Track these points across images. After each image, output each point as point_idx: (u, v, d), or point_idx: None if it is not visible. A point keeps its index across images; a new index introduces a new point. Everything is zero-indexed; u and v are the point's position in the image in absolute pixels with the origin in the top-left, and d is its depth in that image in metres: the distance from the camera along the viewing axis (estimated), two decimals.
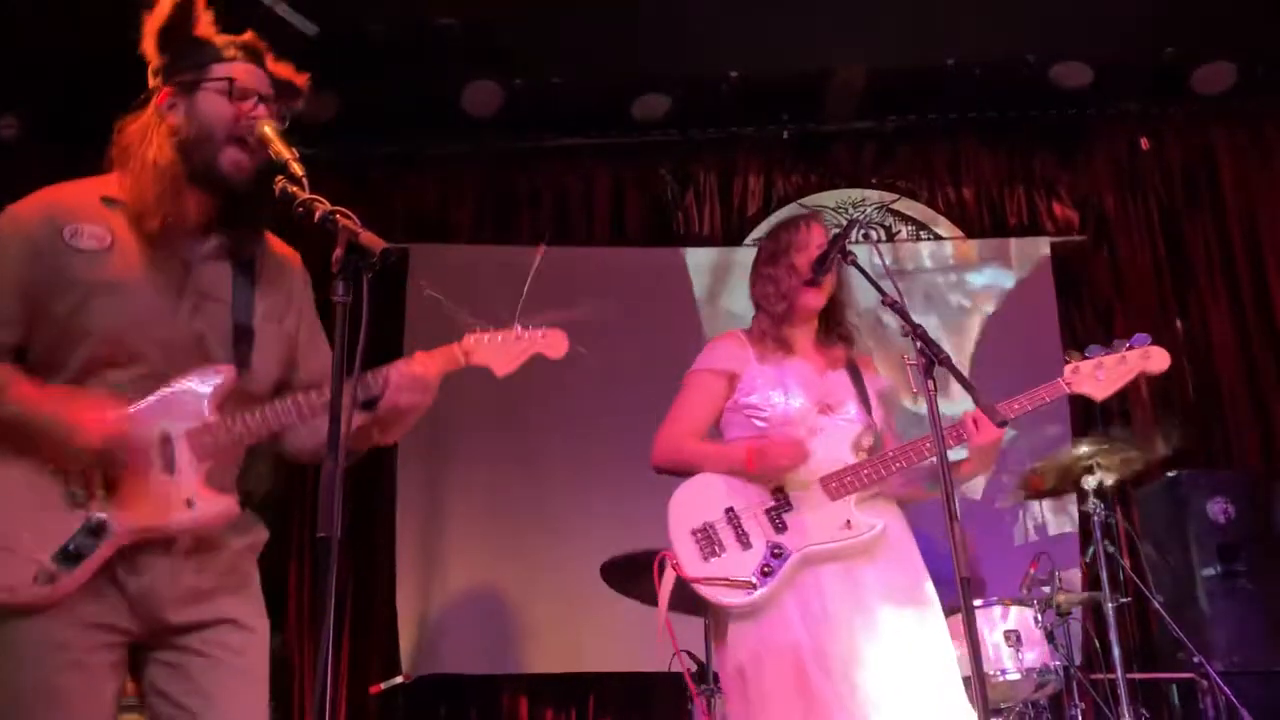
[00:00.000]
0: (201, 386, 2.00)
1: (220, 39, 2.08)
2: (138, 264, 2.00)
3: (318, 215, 1.83)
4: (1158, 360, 2.69)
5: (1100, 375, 2.66)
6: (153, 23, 2.05)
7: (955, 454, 2.64)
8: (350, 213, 1.81)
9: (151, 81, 2.10)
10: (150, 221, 2.00)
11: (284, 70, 2.14)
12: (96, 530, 1.91)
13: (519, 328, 2.31)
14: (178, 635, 1.99)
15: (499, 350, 2.28)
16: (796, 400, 2.77)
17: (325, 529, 1.64)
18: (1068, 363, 2.70)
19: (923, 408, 5.02)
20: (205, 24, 2.07)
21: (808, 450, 2.68)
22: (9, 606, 1.87)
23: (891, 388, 3.04)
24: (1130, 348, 2.69)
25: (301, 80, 2.16)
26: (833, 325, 2.93)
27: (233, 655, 2.02)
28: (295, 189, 1.90)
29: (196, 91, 2.04)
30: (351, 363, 1.70)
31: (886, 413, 2.96)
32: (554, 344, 2.35)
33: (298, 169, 1.92)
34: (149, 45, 2.07)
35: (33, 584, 1.86)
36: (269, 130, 2.00)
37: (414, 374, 2.10)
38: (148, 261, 2.01)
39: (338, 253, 1.74)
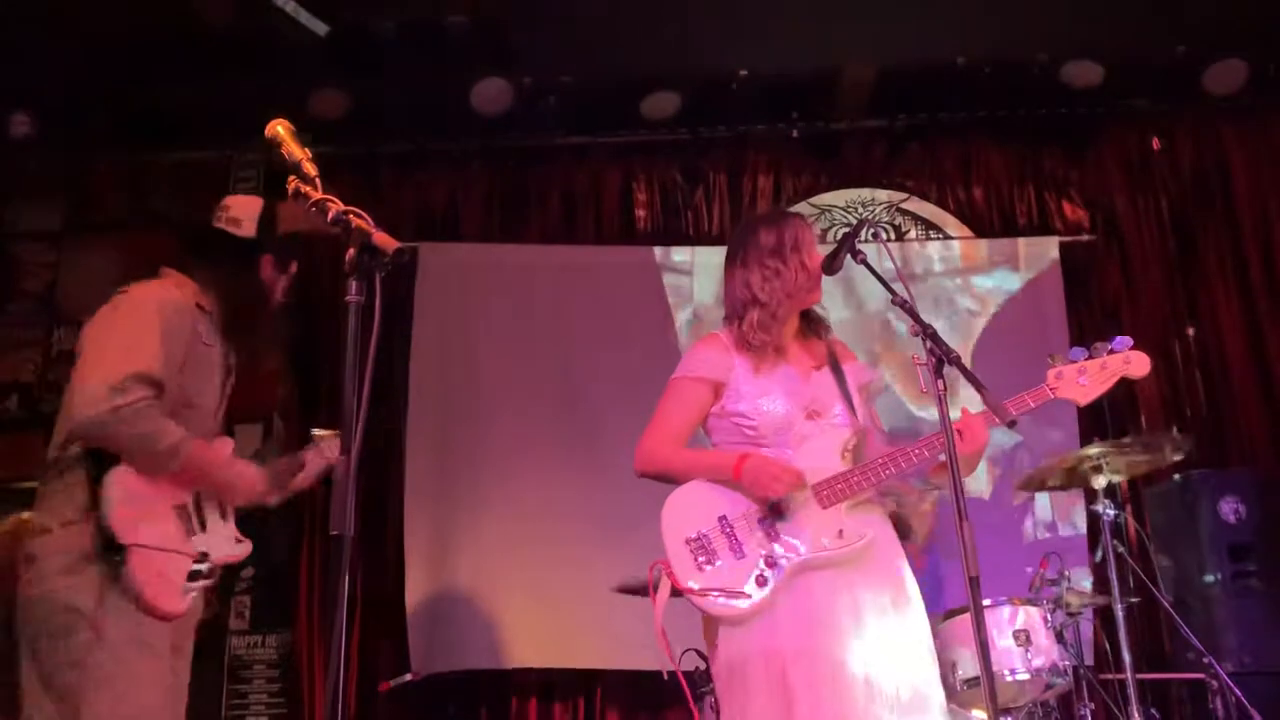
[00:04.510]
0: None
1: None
2: (216, 354, 2.73)
3: (331, 215, 1.84)
4: (1138, 365, 2.68)
5: (1083, 380, 2.66)
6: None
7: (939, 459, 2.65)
8: (363, 213, 1.82)
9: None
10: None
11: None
12: (204, 558, 2.58)
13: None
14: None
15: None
16: (784, 408, 2.75)
17: (338, 527, 1.65)
18: (1051, 367, 2.69)
19: (918, 411, 5.04)
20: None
21: (802, 484, 2.66)
22: (172, 616, 2.49)
23: (874, 379, 3.03)
24: (1112, 352, 2.68)
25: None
26: (809, 315, 2.90)
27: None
28: (308, 189, 1.91)
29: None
30: (364, 362, 1.71)
31: (869, 404, 2.94)
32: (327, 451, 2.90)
33: (310, 169, 1.93)
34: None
35: (181, 598, 2.51)
36: (281, 130, 2.01)
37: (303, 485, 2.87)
38: (218, 352, 2.75)
39: (351, 253, 1.76)
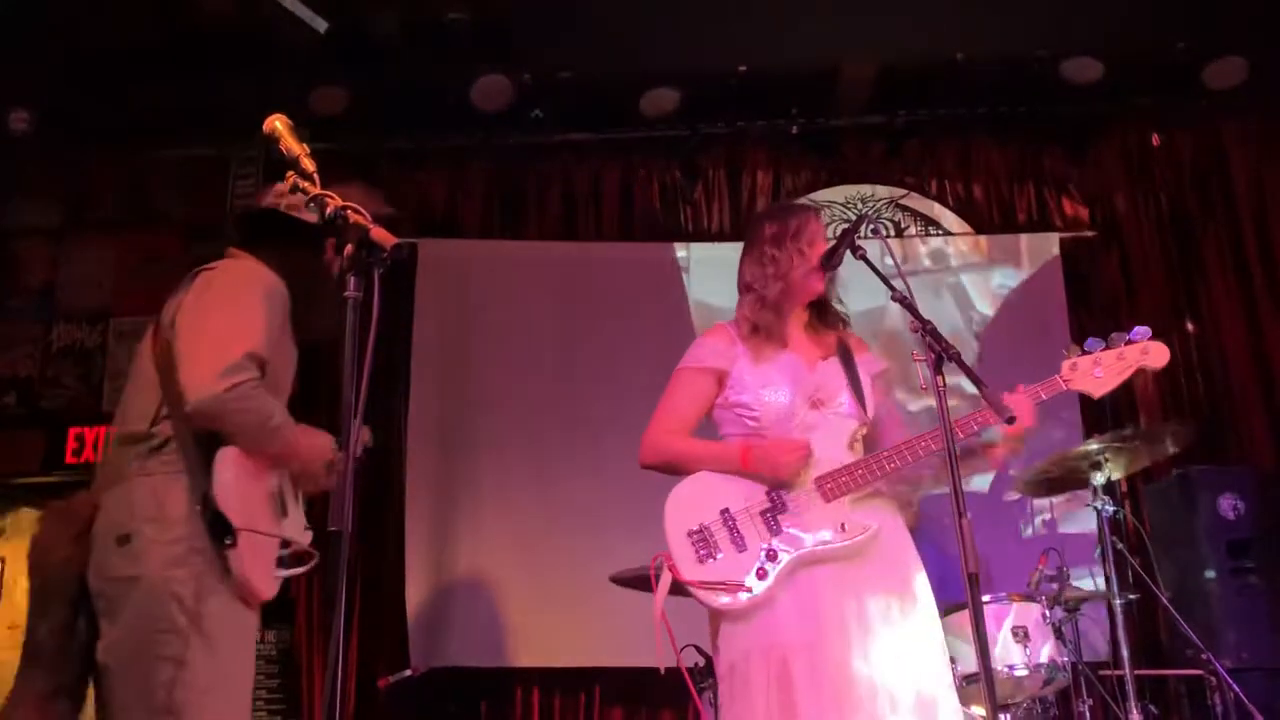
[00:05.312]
0: None
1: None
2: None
3: (329, 211, 1.84)
4: (1156, 355, 2.63)
5: (1098, 372, 2.63)
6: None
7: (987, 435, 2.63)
8: (361, 208, 1.82)
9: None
10: None
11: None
12: (286, 544, 2.54)
13: None
14: None
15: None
16: (787, 397, 2.73)
17: (337, 522, 1.66)
18: (1066, 358, 2.65)
19: (921, 403, 5.04)
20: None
21: (810, 453, 2.65)
22: (264, 601, 2.45)
23: (888, 369, 2.99)
24: (1129, 342, 2.63)
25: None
26: (824, 310, 2.89)
27: None
28: (306, 184, 1.92)
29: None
30: (363, 358, 1.72)
31: (886, 394, 2.90)
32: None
33: (309, 164, 1.94)
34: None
35: (273, 581, 2.47)
36: (279, 125, 2.01)
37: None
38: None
39: (349, 248, 1.76)
